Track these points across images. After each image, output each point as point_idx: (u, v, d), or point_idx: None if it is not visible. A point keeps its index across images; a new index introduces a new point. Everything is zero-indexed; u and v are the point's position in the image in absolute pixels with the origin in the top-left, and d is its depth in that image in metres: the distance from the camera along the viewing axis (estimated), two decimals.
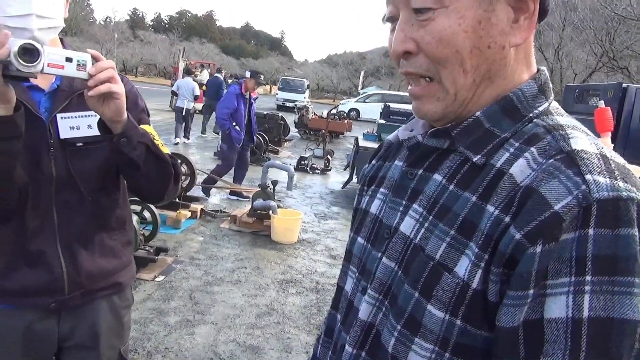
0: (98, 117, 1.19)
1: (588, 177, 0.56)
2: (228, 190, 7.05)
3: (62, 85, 1.29)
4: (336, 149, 13.06)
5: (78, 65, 1.08)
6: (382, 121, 9.26)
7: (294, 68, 60.97)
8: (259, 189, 5.74)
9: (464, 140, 0.68)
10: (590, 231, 0.54)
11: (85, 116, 1.29)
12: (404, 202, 0.73)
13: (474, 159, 0.66)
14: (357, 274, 0.80)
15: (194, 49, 50.07)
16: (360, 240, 0.81)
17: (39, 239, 1.27)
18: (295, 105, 22.44)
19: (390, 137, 0.88)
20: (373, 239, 0.77)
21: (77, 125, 1.29)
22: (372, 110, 22.77)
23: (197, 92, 12.00)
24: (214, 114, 12.30)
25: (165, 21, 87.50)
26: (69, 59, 1.07)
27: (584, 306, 0.53)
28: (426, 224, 0.68)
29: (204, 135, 13.12)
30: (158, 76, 52.62)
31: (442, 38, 0.64)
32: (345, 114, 17.84)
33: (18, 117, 1.10)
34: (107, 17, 65.76)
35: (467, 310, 0.61)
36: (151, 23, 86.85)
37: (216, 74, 14.07)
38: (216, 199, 6.99)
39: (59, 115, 1.27)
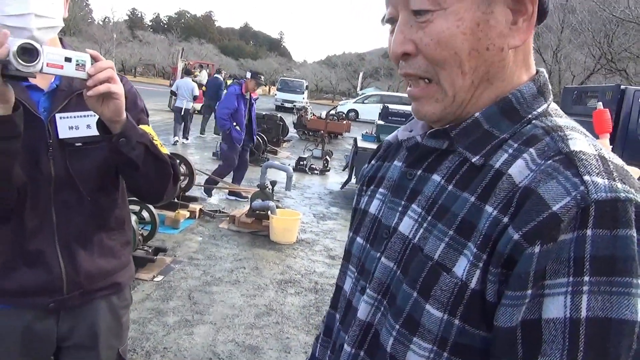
0: (97, 117, 1.19)
1: (586, 178, 0.56)
2: (227, 191, 7.04)
3: (61, 85, 1.28)
4: (335, 150, 13.06)
5: (77, 65, 1.08)
6: (381, 122, 9.26)
7: (292, 69, 60.96)
8: (258, 189, 5.74)
9: (463, 141, 0.68)
10: (589, 232, 0.54)
11: (85, 116, 1.29)
12: (403, 203, 0.73)
13: (473, 160, 0.67)
14: (356, 273, 0.80)
15: (193, 50, 50.05)
16: (359, 240, 0.82)
17: (38, 238, 1.27)
18: (294, 106, 22.42)
19: (389, 137, 0.89)
20: (372, 239, 0.78)
21: (76, 125, 1.29)
22: (370, 111, 22.81)
23: (197, 92, 12.00)
24: (213, 114, 12.34)
25: (164, 21, 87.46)
26: (68, 59, 1.07)
27: (581, 306, 0.53)
28: (425, 224, 0.68)
29: (202, 136, 13.11)
30: (157, 76, 52.62)
31: (440, 40, 0.65)
32: (344, 115, 17.84)
33: (17, 116, 1.10)
34: (105, 17, 65.83)
35: (466, 310, 0.61)
36: (150, 23, 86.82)
37: (216, 75, 14.07)
38: (215, 199, 6.98)
39: (58, 115, 1.27)
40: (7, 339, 1.30)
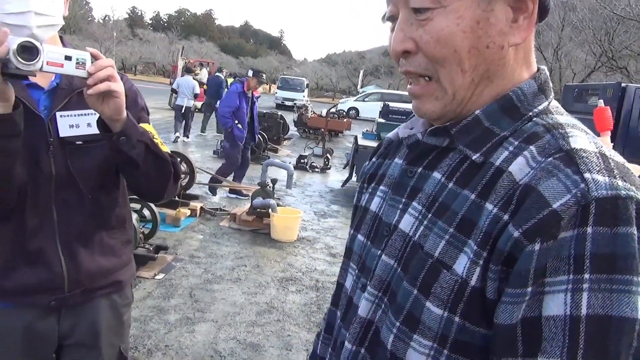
0: (97, 115, 1.19)
1: (587, 175, 0.56)
2: (228, 189, 7.05)
3: (61, 83, 1.28)
4: (335, 148, 13.06)
5: (77, 63, 1.08)
6: (382, 120, 9.26)
7: (293, 67, 60.97)
8: (259, 187, 5.75)
9: (464, 139, 0.68)
10: (589, 229, 0.54)
11: (85, 114, 1.29)
12: (403, 200, 0.74)
13: (473, 157, 0.67)
14: (356, 271, 0.80)
15: (193, 48, 50.04)
16: (360, 237, 0.82)
17: (39, 237, 1.27)
18: (295, 104, 22.46)
19: (390, 134, 0.89)
20: (373, 236, 0.78)
21: (77, 124, 1.29)
22: (371, 109, 22.79)
23: (197, 90, 12.00)
24: (214, 113, 12.32)
25: (164, 20, 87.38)
26: (68, 57, 1.07)
27: (582, 304, 0.53)
28: (425, 222, 0.68)
29: (203, 134, 13.11)
30: (157, 75, 52.58)
31: (440, 38, 0.65)
32: (344, 113, 17.85)
33: (17, 115, 1.10)
34: (105, 16, 65.87)
35: (466, 308, 0.61)
36: (150, 21, 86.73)
37: (217, 73, 14.06)
38: (216, 197, 6.99)
39: (58, 114, 1.27)
40: (8, 338, 1.31)
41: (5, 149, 1.12)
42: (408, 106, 9.95)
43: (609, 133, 2.40)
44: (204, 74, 18.51)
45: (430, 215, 0.68)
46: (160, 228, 4.66)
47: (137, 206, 4.35)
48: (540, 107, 0.68)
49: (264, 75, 7.01)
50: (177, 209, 5.41)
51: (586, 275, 0.53)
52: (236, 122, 6.50)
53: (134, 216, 3.93)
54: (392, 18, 0.71)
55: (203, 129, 13.25)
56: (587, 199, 0.54)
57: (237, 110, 6.49)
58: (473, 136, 0.68)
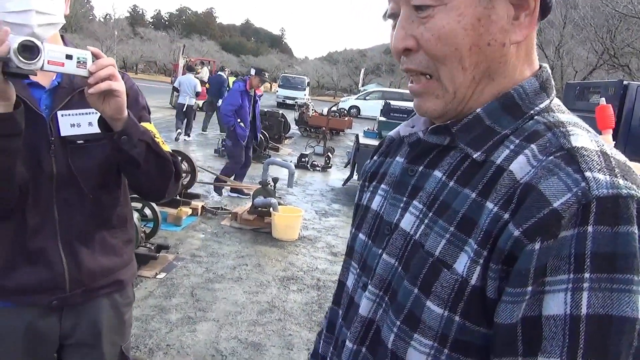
0: (99, 114, 1.19)
1: (588, 174, 0.56)
2: (229, 188, 7.05)
3: (62, 82, 1.28)
4: (337, 147, 13.06)
5: (78, 62, 1.08)
6: (383, 118, 9.25)
7: (294, 65, 60.92)
8: (260, 186, 5.75)
9: (464, 137, 0.68)
10: (590, 228, 0.53)
11: (86, 114, 1.29)
12: (404, 199, 0.73)
13: (474, 156, 0.66)
14: (358, 270, 0.80)
15: (194, 46, 50.01)
16: (361, 236, 0.82)
17: (40, 236, 1.27)
18: (296, 102, 22.41)
19: (392, 133, 0.88)
20: (374, 235, 0.78)
21: (78, 123, 1.29)
22: (372, 108, 22.76)
23: (199, 88, 12.01)
24: (216, 112, 12.34)
25: (165, 18, 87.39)
26: (69, 56, 1.07)
27: (582, 303, 0.53)
28: (426, 221, 0.68)
29: (204, 133, 13.12)
30: (158, 73, 52.59)
31: (441, 35, 0.64)
32: (345, 112, 17.84)
33: (18, 114, 1.10)
34: (107, 14, 65.85)
35: (466, 307, 0.61)
36: (151, 20, 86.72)
37: (219, 72, 14.07)
38: (217, 196, 6.99)
39: (59, 113, 1.27)
40: (9, 337, 1.31)
41: (6, 148, 1.11)
42: (409, 104, 9.93)
43: (611, 131, 2.40)
44: (205, 73, 18.50)
45: (431, 214, 0.68)
46: (161, 227, 4.67)
47: (139, 205, 4.36)
48: (541, 105, 0.67)
49: (267, 74, 7.01)
50: (179, 208, 5.41)
51: (586, 275, 0.53)
52: (238, 120, 6.50)
53: (135, 215, 3.93)
54: (393, 15, 0.71)
55: (204, 128, 13.25)
56: (587, 198, 0.54)
57: (240, 109, 6.50)
58: (474, 134, 0.68)
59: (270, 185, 5.71)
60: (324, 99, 40.51)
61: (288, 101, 26.24)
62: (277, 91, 29.32)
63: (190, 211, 5.64)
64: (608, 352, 0.53)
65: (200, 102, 13.10)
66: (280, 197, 6.25)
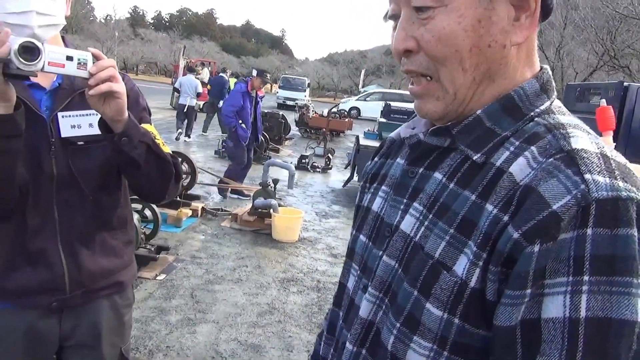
0: (99, 116, 1.19)
1: (587, 176, 0.55)
2: (229, 189, 7.05)
3: (63, 83, 1.28)
4: (337, 148, 13.06)
5: (79, 63, 1.08)
6: (383, 120, 9.26)
7: (294, 66, 60.97)
8: (260, 187, 5.75)
9: (465, 139, 0.68)
10: (589, 231, 0.53)
11: (87, 115, 1.29)
12: (404, 201, 0.73)
13: (474, 158, 0.66)
14: (358, 271, 0.80)
15: (195, 47, 50.06)
16: (362, 238, 0.82)
17: (40, 237, 1.27)
18: (296, 103, 22.46)
19: (393, 134, 0.88)
20: (374, 237, 0.78)
21: (79, 124, 1.29)
22: (372, 109, 22.76)
23: (200, 89, 12.03)
24: (216, 113, 12.33)
25: (166, 19, 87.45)
26: (69, 58, 1.07)
27: (581, 306, 0.53)
28: (426, 223, 0.68)
29: (205, 134, 13.12)
30: (159, 74, 52.64)
31: (441, 37, 0.64)
32: (346, 113, 17.84)
33: (18, 115, 1.10)
34: (107, 15, 65.99)
35: (465, 309, 0.61)
36: (152, 21, 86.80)
37: (221, 74, 14.09)
38: (217, 197, 6.99)
39: (60, 114, 1.27)
40: (9, 339, 1.30)
41: (7, 149, 1.11)
42: (410, 106, 9.93)
43: (612, 133, 2.40)
44: (205, 74, 18.52)
45: (431, 216, 0.68)
46: (161, 228, 4.67)
47: (139, 206, 4.35)
48: (542, 107, 0.67)
49: (268, 75, 7.02)
50: (179, 210, 5.41)
51: (586, 277, 0.53)
52: (240, 121, 6.51)
53: (135, 216, 3.93)
54: (394, 17, 0.71)
55: (205, 129, 13.26)
56: (587, 200, 0.54)
57: (241, 110, 6.51)
58: (474, 136, 0.68)
59: (271, 187, 5.70)
60: (324, 100, 40.53)
61: (288, 102, 26.25)
62: (277, 92, 29.32)
63: (190, 212, 5.64)
64: (607, 355, 0.53)
65: (201, 103, 13.11)
66: (280, 199, 6.25)
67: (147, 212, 4.49)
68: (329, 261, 4.99)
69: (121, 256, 1.43)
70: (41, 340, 1.34)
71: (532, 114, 0.67)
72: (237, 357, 3.08)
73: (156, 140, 1.30)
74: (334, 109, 14.93)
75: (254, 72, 6.78)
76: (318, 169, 9.98)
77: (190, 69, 13.17)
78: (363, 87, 33.69)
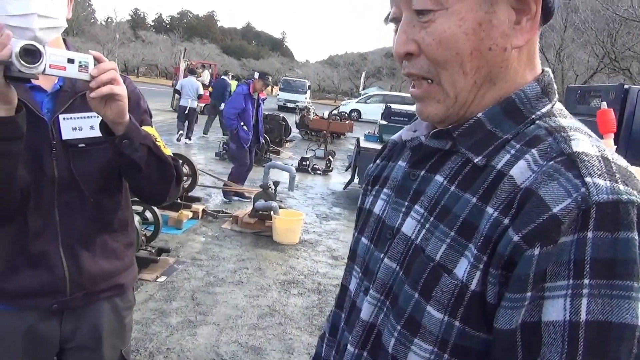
0: (100, 118, 1.19)
1: (588, 179, 0.55)
2: (234, 192, 7.05)
3: (64, 86, 1.29)
4: (337, 150, 13.06)
5: (80, 66, 1.08)
6: (384, 122, 9.25)
7: (295, 69, 61.06)
8: (261, 189, 5.75)
9: (466, 142, 0.68)
10: (589, 234, 0.53)
11: (88, 117, 1.29)
12: (406, 203, 0.73)
13: (475, 160, 0.66)
14: (360, 274, 0.80)
15: (195, 50, 50.14)
16: (364, 240, 0.82)
17: (41, 240, 1.27)
18: (297, 105, 22.46)
19: (394, 137, 0.88)
20: (376, 239, 0.78)
21: (80, 126, 1.29)
22: (373, 111, 22.82)
23: (201, 91, 12.05)
24: (218, 115, 12.36)
25: (167, 21, 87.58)
26: (70, 61, 1.07)
27: (581, 309, 0.53)
28: (427, 225, 0.68)
29: (206, 136, 13.13)
30: (159, 76, 52.70)
31: (442, 40, 0.64)
32: (346, 115, 17.84)
33: (19, 118, 1.10)
34: (108, 18, 65.99)
35: (466, 312, 0.61)
36: (152, 23, 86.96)
37: (223, 76, 14.11)
38: (218, 199, 6.99)
39: (61, 116, 1.27)
40: (9, 340, 1.30)
41: (8, 151, 1.12)
42: (410, 108, 9.93)
43: (612, 135, 2.39)
44: (206, 76, 18.54)
45: (432, 218, 0.68)
46: (162, 230, 4.67)
47: (139, 208, 4.35)
48: (543, 110, 0.67)
49: (270, 78, 7.03)
50: (179, 212, 5.41)
51: (586, 281, 0.53)
52: (242, 123, 6.51)
53: (136, 218, 3.93)
54: (395, 20, 0.71)
55: (206, 131, 13.27)
56: (587, 204, 0.54)
57: (243, 112, 6.52)
58: (475, 139, 0.68)
59: (271, 189, 5.70)
60: (325, 103, 40.55)
61: (289, 104, 26.27)
62: (278, 94, 29.35)
63: (191, 214, 5.64)
64: (607, 358, 0.52)
65: (202, 105, 13.13)
66: (281, 201, 6.25)
67: (148, 214, 4.50)
68: (330, 263, 4.99)
69: (122, 258, 1.43)
70: (41, 342, 1.33)
71: (533, 116, 0.67)
72: (237, 359, 3.08)
73: (157, 142, 1.30)
74: (335, 111, 14.93)
75: (256, 75, 6.79)
76: (319, 171, 9.98)
77: (191, 71, 13.19)
78: (363, 89, 33.71)
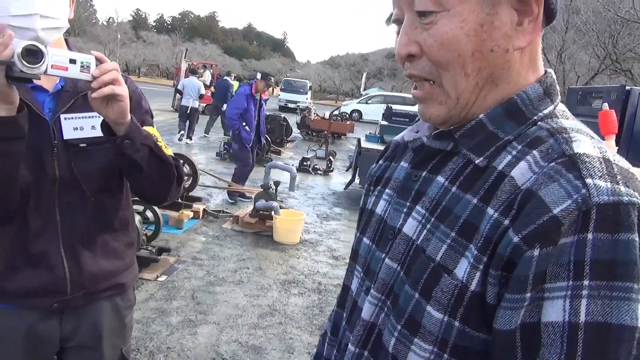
0: (102, 118, 1.19)
1: (589, 181, 0.55)
2: (231, 191, 7.05)
3: (66, 86, 1.29)
4: (338, 150, 13.07)
5: (82, 67, 1.08)
6: (385, 122, 9.23)
7: (296, 69, 61.06)
8: (262, 189, 5.75)
9: (467, 143, 0.68)
10: (589, 235, 0.53)
11: (89, 117, 1.30)
12: (407, 204, 0.73)
13: (477, 161, 0.67)
14: (362, 274, 0.80)
15: (197, 50, 50.17)
16: (365, 240, 0.82)
17: (42, 239, 1.27)
18: (298, 106, 22.45)
19: (397, 137, 0.89)
20: (378, 239, 0.78)
21: (81, 126, 1.29)
22: (374, 112, 22.82)
23: (203, 91, 12.07)
24: (220, 116, 12.37)
25: (168, 22, 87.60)
26: (72, 61, 1.07)
27: (580, 311, 0.53)
28: (428, 226, 0.68)
29: (207, 136, 13.14)
30: (160, 77, 52.73)
31: (443, 41, 0.65)
32: (347, 115, 17.85)
33: (21, 118, 1.10)
34: (110, 18, 66.12)
35: (466, 312, 0.61)
36: (154, 24, 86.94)
37: (225, 77, 14.12)
38: (218, 199, 7.00)
39: (62, 116, 1.27)
40: (10, 340, 1.31)
41: (10, 151, 1.12)
42: (411, 109, 9.92)
43: (614, 137, 2.39)
44: (207, 76, 18.56)
45: (433, 219, 0.68)
46: (163, 230, 4.67)
47: (140, 208, 4.36)
48: (545, 111, 0.67)
49: (273, 79, 7.03)
50: (180, 211, 5.42)
51: (585, 282, 0.53)
52: (244, 124, 6.52)
53: (137, 218, 3.94)
54: (398, 21, 0.71)
55: (207, 131, 13.28)
56: (588, 205, 0.54)
57: (245, 113, 6.53)
58: (477, 140, 0.68)
59: (272, 189, 5.71)
60: (326, 103, 40.56)
61: (290, 105, 26.27)
62: (279, 95, 29.36)
63: (191, 214, 5.64)
64: None
65: (203, 105, 13.14)
66: (281, 201, 6.26)
67: (149, 214, 4.50)
68: (330, 263, 4.99)
69: (122, 258, 1.43)
70: (42, 341, 1.34)
71: (535, 118, 0.67)
72: (237, 358, 3.08)
73: (158, 142, 1.30)
74: (336, 112, 14.94)
75: (259, 75, 6.79)
76: (319, 172, 9.98)
77: (192, 71, 13.20)
78: (364, 90, 33.71)
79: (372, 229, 0.81)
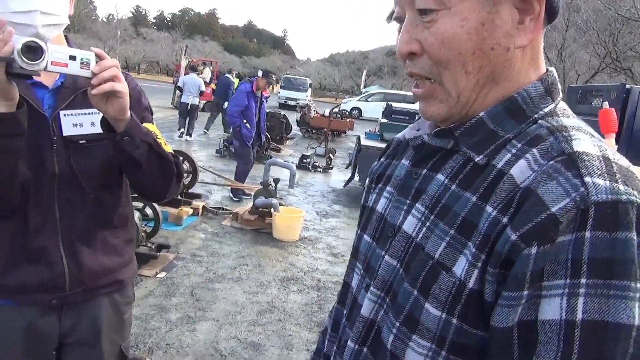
0: (101, 115, 1.19)
1: (587, 179, 0.55)
2: (232, 188, 7.06)
3: (66, 82, 1.29)
4: (338, 148, 13.07)
5: (82, 63, 1.08)
6: (385, 120, 9.23)
7: (296, 66, 61.00)
8: (261, 186, 5.75)
9: (467, 141, 0.68)
10: (587, 234, 0.53)
11: (89, 114, 1.29)
12: (407, 201, 0.74)
13: (476, 159, 0.67)
14: (362, 270, 0.80)
15: (197, 47, 50.05)
16: (366, 237, 0.82)
17: (41, 236, 1.27)
18: (298, 103, 22.47)
19: (399, 135, 0.89)
20: (378, 236, 0.78)
21: (81, 123, 1.29)
22: (374, 109, 22.82)
23: (203, 88, 12.07)
24: (221, 113, 12.36)
25: (168, 19, 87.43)
26: (72, 57, 1.07)
27: (578, 309, 0.53)
28: (428, 223, 0.68)
29: (206, 133, 13.13)
30: (160, 74, 52.69)
31: (444, 40, 0.65)
32: (347, 113, 17.84)
33: (21, 114, 1.10)
34: (110, 15, 66.03)
35: (463, 310, 0.61)
36: (154, 20, 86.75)
37: (226, 75, 14.11)
38: (218, 196, 7.00)
39: (62, 113, 1.27)
40: (9, 336, 1.31)
41: (9, 147, 1.12)
42: (411, 106, 9.91)
43: (614, 135, 2.39)
44: (207, 73, 18.54)
45: (432, 216, 0.68)
46: (162, 227, 4.68)
47: (140, 205, 4.36)
48: (546, 110, 0.67)
49: (274, 76, 7.03)
50: (180, 208, 5.42)
51: (583, 280, 0.53)
52: (244, 121, 6.52)
53: (136, 215, 3.94)
54: (399, 19, 0.71)
55: (207, 128, 13.27)
56: (586, 203, 0.54)
57: (246, 110, 6.53)
58: (477, 138, 0.68)
59: (272, 186, 5.71)
60: (326, 101, 40.53)
61: (290, 102, 26.26)
62: (279, 92, 29.35)
63: (191, 211, 5.65)
64: (603, 358, 0.52)
65: (203, 102, 13.14)
66: (281, 198, 6.26)
67: (148, 211, 4.50)
68: (330, 260, 5.00)
69: (122, 254, 1.43)
70: (41, 338, 1.34)
71: (535, 116, 0.67)
72: (236, 355, 3.09)
73: (158, 139, 1.30)
74: (336, 109, 14.93)
75: (260, 73, 6.79)
76: (319, 169, 9.98)
77: (192, 68, 13.20)
78: (364, 87, 33.70)
79: (373, 226, 0.81)
